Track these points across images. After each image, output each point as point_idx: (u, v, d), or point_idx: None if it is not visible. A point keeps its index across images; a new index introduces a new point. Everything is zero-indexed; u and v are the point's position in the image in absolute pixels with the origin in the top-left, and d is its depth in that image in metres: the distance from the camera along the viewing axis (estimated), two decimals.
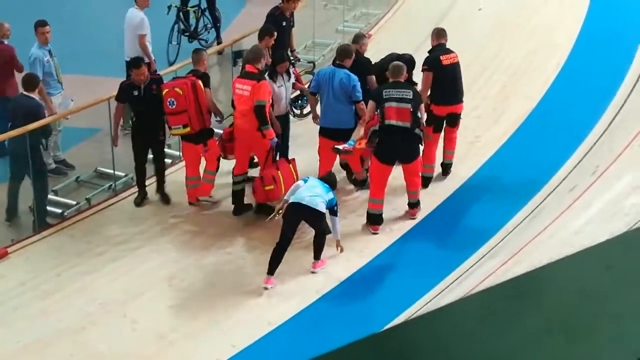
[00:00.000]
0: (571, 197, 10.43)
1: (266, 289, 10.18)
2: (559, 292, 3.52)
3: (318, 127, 11.86)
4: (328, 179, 10.59)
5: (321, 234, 10.38)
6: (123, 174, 12.38)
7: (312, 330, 9.63)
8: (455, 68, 11.95)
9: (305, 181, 10.40)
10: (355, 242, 11.05)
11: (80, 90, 13.40)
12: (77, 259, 10.84)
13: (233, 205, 11.69)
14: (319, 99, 11.77)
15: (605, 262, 3.77)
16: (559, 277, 3.67)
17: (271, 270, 10.21)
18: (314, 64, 14.86)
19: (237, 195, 11.65)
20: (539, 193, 11.43)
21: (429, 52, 12.16)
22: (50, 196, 11.93)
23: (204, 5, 16.48)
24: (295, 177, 11.22)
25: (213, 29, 16.50)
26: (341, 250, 10.62)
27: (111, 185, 12.32)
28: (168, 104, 11.23)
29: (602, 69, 14.59)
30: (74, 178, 12.49)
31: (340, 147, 11.29)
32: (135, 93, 11.55)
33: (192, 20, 16.37)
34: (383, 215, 11.33)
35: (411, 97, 10.88)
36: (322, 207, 10.15)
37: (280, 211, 10.41)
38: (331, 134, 11.58)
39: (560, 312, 3.39)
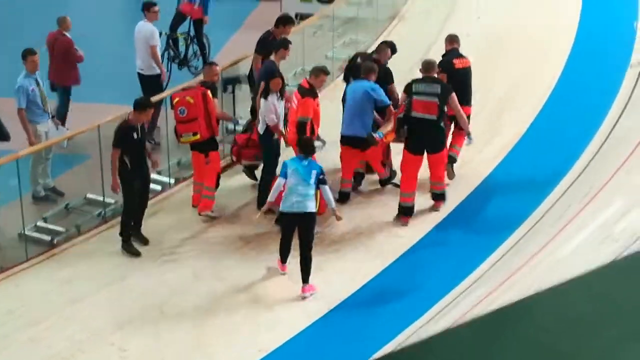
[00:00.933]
0: (561, 222, 10.47)
1: (284, 274, 10.85)
2: (545, 321, 3.53)
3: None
4: (304, 146, 10.76)
5: (307, 247, 10.56)
6: (113, 201, 12.31)
7: (303, 357, 9.63)
8: (467, 72, 12.52)
9: (284, 174, 10.55)
10: (345, 266, 11.07)
11: (69, 117, 13.48)
12: (67, 286, 10.80)
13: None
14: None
15: (594, 290, 3.79)
16: (546, 306, 3.69)
17: (284, 259, 10.87)
18: None
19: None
20: (529, 218, 11.45)
21: (443, 56, 12.70)
22: (40, 223, 11.91)
23: (192, 32, 16.52)
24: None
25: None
26: (338, 219, 10.88)
27: (101, 212, 12.27)
28: (179, 112, 11.65)
29: (592, 94, 14.66)
30: (63, 205, 12.42)
31: (377, 133, 11.83)
32: (135, 136, 11.28)
33: (182, 47, 16.41)
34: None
35: (439, 91, 11.53)
36: (313, 206, 10.51)
37: (266, 216, 11.06)
38: (351, 141, 12.05)
39: (547, 341, 3.40)
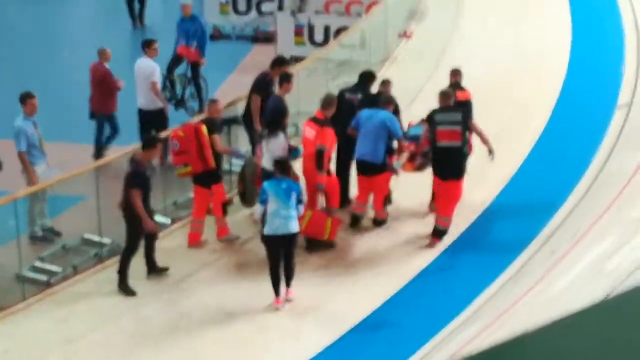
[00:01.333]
0: (552, 260, 10.54)
1: (277, 309, 10.96)
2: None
3: None
4: (281, 167, 11.20)
5: (290, 261, 11.08)
6: (109, 241, 12.41)
7: None
8: (467, 104, 12.92)
9: (264, 202, 10.95)
10: (336, 307, 11.17)
11: (64, 158, 13.58)
12: (63, 325, 10.87)
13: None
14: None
15: (587, 327, 3.85)
16: (539, 343, 3.75)
17: (277, 292, 11.02)
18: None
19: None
20: (520, 256, 11.53)
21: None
22: (37, 264, 11.98)
23: (189, 74, 16.67)
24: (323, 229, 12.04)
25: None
26: None
27: (97, 252, 12.34)
28: (173, 145, 12.15)
29: (582, 134, 14.79)
30: (60, 245, 12.49)
31: (395, 163, 12.37)
32: (148, 174, 11.51)
33: (179, 89, 16.57)
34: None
35: (460, 119, 12.08)
36: (296, 226, 10.94)
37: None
38: (364, 166, 12.45)
39: None
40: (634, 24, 18.69)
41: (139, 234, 11.43)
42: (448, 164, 12.11)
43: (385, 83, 13.49)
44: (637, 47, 17.49)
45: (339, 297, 11.34)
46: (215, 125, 12.38)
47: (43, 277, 11.77)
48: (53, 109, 14.73)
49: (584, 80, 17.03)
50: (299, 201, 10.97)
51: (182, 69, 16.57)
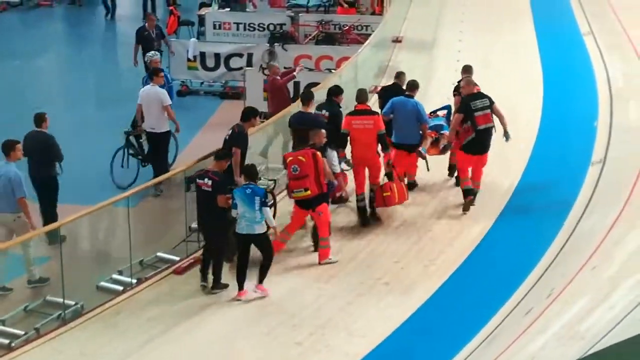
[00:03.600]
0: (526, 320, 10.38)
1: (239, 300, 12.07)
2: None
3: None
4: (248, 173, 12.34)
5: (266, 259, 12.18)
6: (73, 302, 12.11)
7: None
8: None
9: (235, 206, 11.98)
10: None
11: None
12: None
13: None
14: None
15: None
16: None
17: (240, 285, 12.17)
18: (275, 182, 15.19)
19: (363, 210, 14.17)
20: (494, 317, 11.34)
21: (458, 82, 15.29)
22: None
23: None
24: (405, 192, 14.23)
25: None
26: (276, 237, 12.56)
27: (61, 314, 12.02)
28: (292, 170, 12.84)
29: (554, 191, 14.75)
30: (22, 307, 12.19)
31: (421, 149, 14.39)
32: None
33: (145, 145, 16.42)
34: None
35: (488, 103, 14.25)
36: (261, 228, 12.00)
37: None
38: (403, 147, 14.46)
39: None
40: (606, 80, 18.81)
41: (225, 241, 12.43)
42: (486, 141, 14.27)
43: (400, 75, 15.55)
44: (609, 103, 17.56)
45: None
46: (323, 150, 13.27)
47: (5, 341, 11.42)
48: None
49: (558, 137, 17.05)
50: (263, 204, 11.91)
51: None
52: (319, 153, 12.89)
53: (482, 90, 14.58)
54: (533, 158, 16.17)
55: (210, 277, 12.47)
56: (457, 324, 11.51)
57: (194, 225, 13.89)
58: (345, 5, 24.54)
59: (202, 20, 24.00)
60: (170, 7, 25.00)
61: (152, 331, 11.67)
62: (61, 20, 25.57)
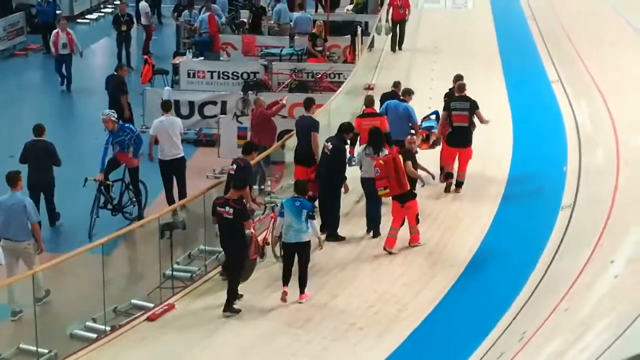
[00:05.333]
0: None
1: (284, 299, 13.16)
2: None
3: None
4: (298, 188, 13.68)
5: (304, 267, 13.24)
6: (47, 351, 12.05)
7: None
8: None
9: (282, 215, 13.25)
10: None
11: None
12: None
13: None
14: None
15: None
16: None
17: (286, 282, 13.28)
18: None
19: None
20: None
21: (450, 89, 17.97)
22: None
23: (128, 179, 16.55)
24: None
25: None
26: (321, 247, 13.71)
27: None
28: (375, 172, 14.69)
29: (525, 235, 14.84)
30: None
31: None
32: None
33: (115, 194, 16.44)
34: None
35: (468, 107, 16.65)
36: (307, 237, 13.21)
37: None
38: (395, 142, 16.10)
39: None
40: (575, 126, 19.02)
41: (243, 263, 13.22)
42: (462, 138, 16.61)
43: (397, 84, 18.21)
44: (578, 147, 17.75)
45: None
46: (410, 154, 15.13)
47: None
48: None
49: (528, 181, 17.22)
50: (310, 216, 13.18)
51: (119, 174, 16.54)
52: (399, 157, 14.76)
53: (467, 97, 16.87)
54: (504, 202, 16.30)
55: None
56: None
57: (168, 272, 13.94)
58: (319, 55, 24.74)
59: (176, 69, 24.11)
60: (145, 57, 25.14)
61: None
62: (35, 69, 25.59)
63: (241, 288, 13.22)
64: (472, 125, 16.71)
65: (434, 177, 16.10)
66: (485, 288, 13.47)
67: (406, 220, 14.80)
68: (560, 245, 13.81)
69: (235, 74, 23.49)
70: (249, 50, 26.10)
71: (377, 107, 17.37)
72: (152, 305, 13.35)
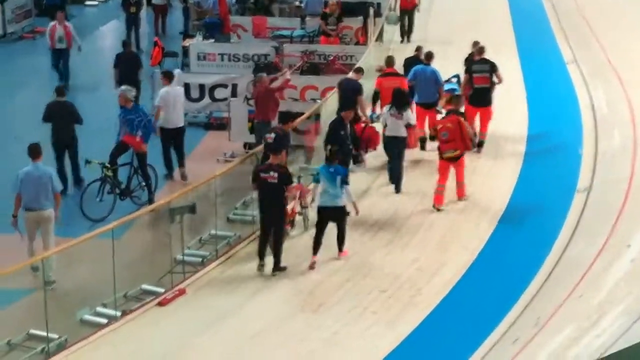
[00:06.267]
0: (513, 350, 10.32)
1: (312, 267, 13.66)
2: None
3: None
4: (328, 157, 14.09)
5: (342, 228, 13.89)
6: (57, 336, 11.98)
7: None
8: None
9: (317, 180, 13.91)
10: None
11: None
12: None
13: None
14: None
15: None
16: None
17: (315, 252, 13.78)
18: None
19: None
20: (480, 347, 11.27)
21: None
22: None
23: (136, 163, 16.41)
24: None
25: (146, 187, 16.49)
26: (357, 213, 14.12)
27: (44, 348, 11.88)
28: (442, 135, 15.56)
29: (540, 219, 14.75)
30: (5, 341, 12.03)
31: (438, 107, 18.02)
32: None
33: (124, 178, 16.33)
34: None
35: (488, 68, 17.84)
36: (342, 202, 13.77)
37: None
38: (423, 105, 18.03)
39: None
40: (591, 107, 18.87)
41: (286, 218, 14.10)
42: (483, 97, 17.67)
43: (419, 48, 19.42)
44: (594, 130, 17.61)
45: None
46: (462, 115, 16.07)
47: None
48: None
49: (543, 165, 17.09)
50: (344, 182, 13.78)
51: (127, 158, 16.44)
52: (462, 119, 15.69)
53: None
54: (519, 187, 16.19)
55: (268, 260, 13.73)
56: (444, 355, 11.46)
57: (179, 256, 13.85)
58: (332, 35, 24.56)
59: (186, 51, 23.93)
60: (155, 39, 24.97)
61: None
62: (43, 52, 25.38)
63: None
64: (492, 86, 17.85)
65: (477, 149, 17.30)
66: (499, 273, 13.38)
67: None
68: (575, 230, 13.73)
69: (245, 56, 23.29)
70: (259, 32, 25.91)
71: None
72: (162, 290, 13.28)
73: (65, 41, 23.56)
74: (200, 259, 14.31)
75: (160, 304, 12.90)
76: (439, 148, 15.76)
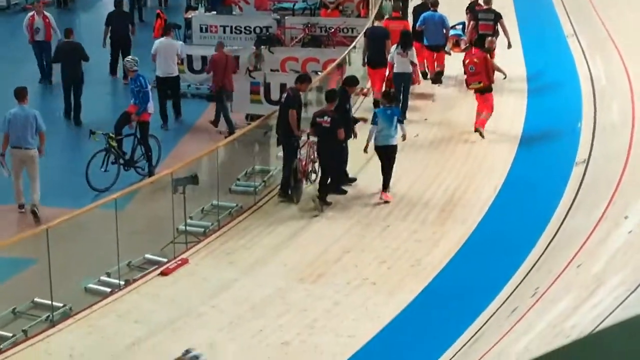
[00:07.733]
0: (511, 320, 10.42)
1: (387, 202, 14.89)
2: None
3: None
4: (388, 97, 15.70)
5: (391, 167, 15.04)
6: (61, 304, 12.12)
7: None
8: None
9: (376, 122, 15.00)
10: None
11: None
12: None
13: None
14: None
15: None
16: None
17: (385, 187, 15.05)
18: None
19: None
20: (479, 317, 11.39)
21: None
22: None
23: (138, 134, 16.47)
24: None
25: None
26: (404, 139, 15.56)
27: (49, 316, 12.01)
28: (469, 69, 17.33)
29: (539, 190, 14.82)
30: (10, 309, 12.17)
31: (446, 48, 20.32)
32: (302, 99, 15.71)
33: (127, 149, 16.40)
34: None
35: (493, 17, 20.06)
36: (395, 141, 15.10)
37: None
38: (432, 47, 20.07)
39: None
40: (590, 80, 18.89)
41: (339, 166, 15.24)
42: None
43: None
44: (593, 102, 17.64)
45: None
46: (491, 51, 17.99)
47: None
48: None
49: (542, 137, 17.16)
50: (400, 121, 15.23)
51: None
52: (487, 55, 17.45)
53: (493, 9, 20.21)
54: (517, 158, 16.27)
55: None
56: (443, 324, 11.56)
57: (181, 226, 13.96)
58: (331, 7, 24.56)
59: (188, 23, 23.94)
60: (158, 11, 24.97)
61: (138, 333, 11.69)
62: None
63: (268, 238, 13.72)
64: (495, 34, 19.69)
65: (505, 76, 18.58)
66: (498, 244, 13.48)
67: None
68: (574, 201, 13.78)
69: (247, 28, 23.32)
70: (261, 4, 25.91)
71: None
72: (165, 259, 13.40)
73: (44, 33, 21.83)
74: (202, 229, 14.44)
75: (163, 273, 13.02)
76: (466, 80, 17.72)
